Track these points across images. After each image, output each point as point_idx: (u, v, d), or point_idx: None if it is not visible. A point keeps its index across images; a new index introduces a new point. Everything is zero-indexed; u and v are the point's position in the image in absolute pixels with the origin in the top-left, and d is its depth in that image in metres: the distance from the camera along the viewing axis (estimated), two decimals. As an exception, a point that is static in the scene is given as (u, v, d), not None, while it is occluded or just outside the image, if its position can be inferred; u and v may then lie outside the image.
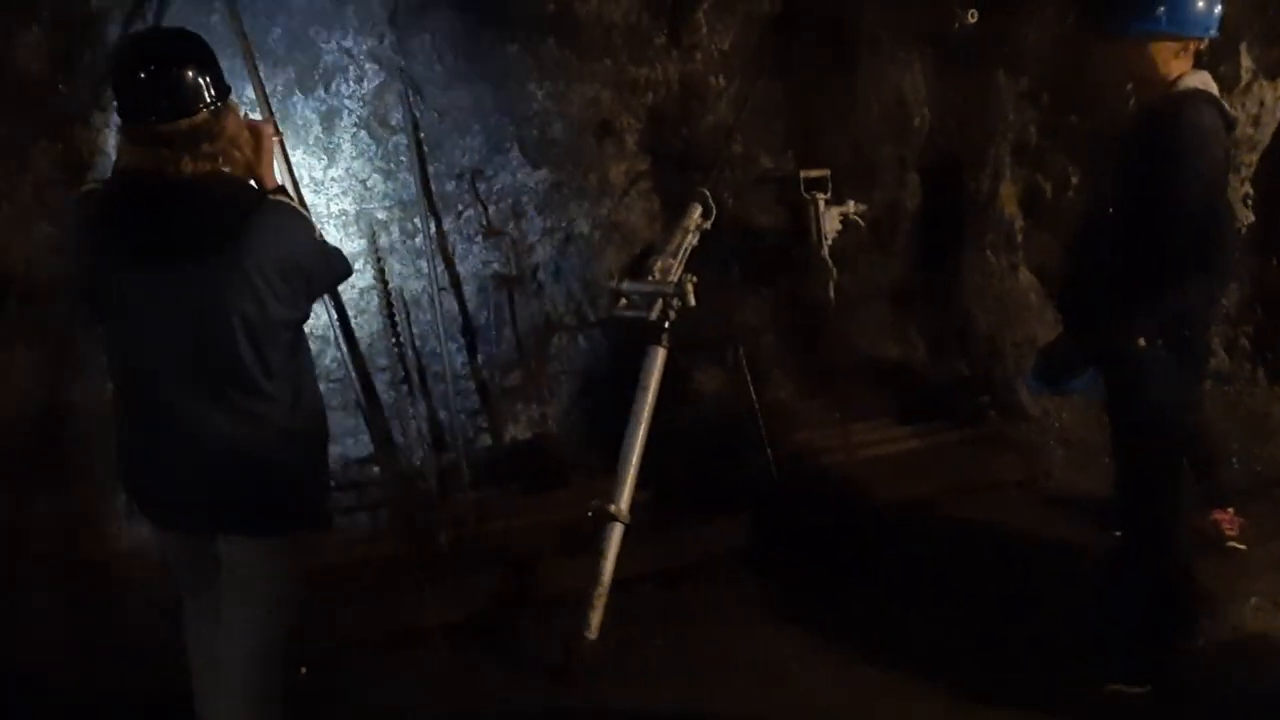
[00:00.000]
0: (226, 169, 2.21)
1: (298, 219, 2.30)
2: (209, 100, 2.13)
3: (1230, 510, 3.83)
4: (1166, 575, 3.00)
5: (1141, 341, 2.81)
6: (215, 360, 2.19)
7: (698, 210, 3.90)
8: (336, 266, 2.51)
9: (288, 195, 2.36)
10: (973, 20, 4.56)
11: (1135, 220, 2.77)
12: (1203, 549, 3.41)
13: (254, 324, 2.17)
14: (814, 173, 4.38)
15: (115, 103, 2.16)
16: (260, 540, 2.32)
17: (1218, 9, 2.80)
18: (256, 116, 3.36)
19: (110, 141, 3.46)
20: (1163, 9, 2.74)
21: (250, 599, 2.34)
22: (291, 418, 2.28)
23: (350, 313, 3.97)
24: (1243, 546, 3.77)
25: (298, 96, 3.80)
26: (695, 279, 3.64)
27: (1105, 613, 3.12)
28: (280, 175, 2.49)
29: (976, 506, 4.30)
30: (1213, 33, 2.82)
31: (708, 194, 3.91)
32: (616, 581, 3.33)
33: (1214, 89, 2.83)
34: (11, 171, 3.46)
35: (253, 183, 2.30)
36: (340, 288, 3.76)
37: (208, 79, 2.14)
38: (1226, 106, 2.86)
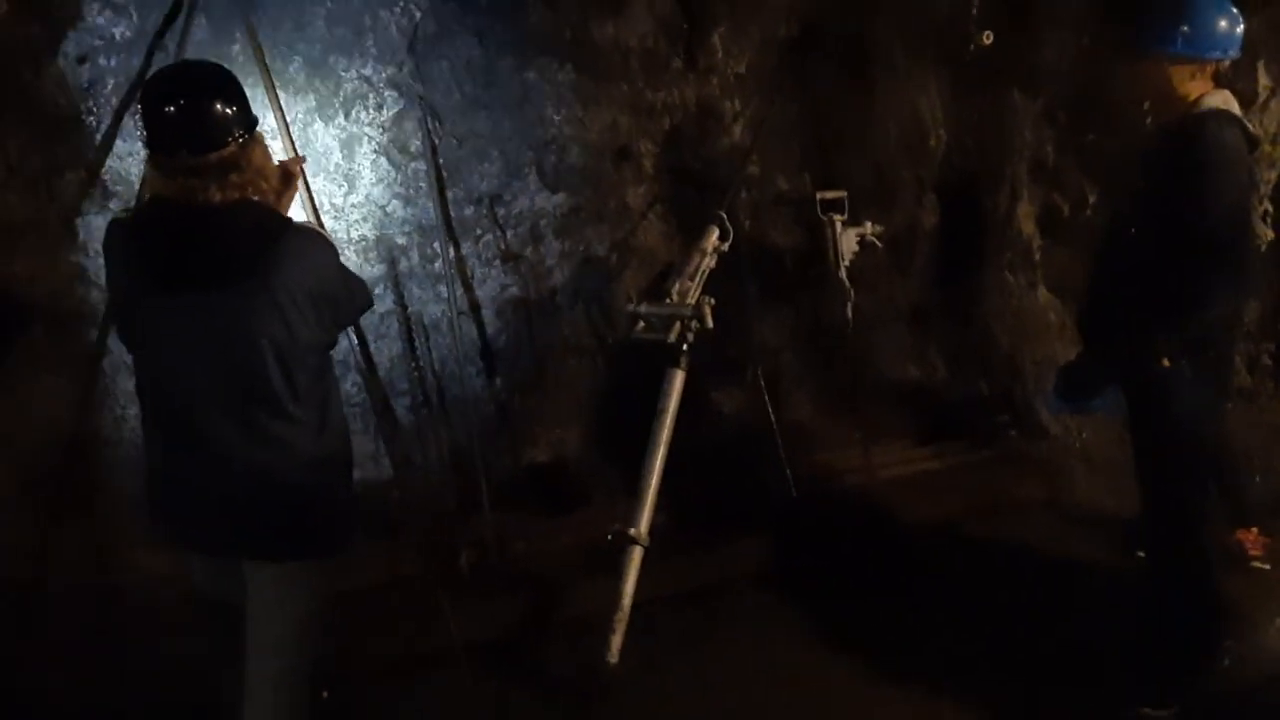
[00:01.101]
0: (255, 198, 2.24)
1: (323, 245, 2.32)
2: (237, 134, 2.17)
3: (1254, 530, 3.80)
4: (1192, 595, 2.98)
5: (1165, 361, 2.80)
6: (244, 385, 2.21)
7: (715, 232, 3.92)
8: (359, 296, 2.53)
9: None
10: (988, 41, 4.57)
11: (1158, 239, 2.77)
12: (1227, 568, 3.38)
13: (282, 349, 2.19)
14: (830, 194, 4.39)
15: (144, 134, 2.19)
16: (285, 565, 2.34)
17: (1239, 30, 2.80)
18: (277, 144, 3.41)
19: (136, 171, 3.50)
20: (1184, 30, 2.75)
21: (275, 622, 2.36)
22: (318, 443, 2.30)
23: (370, 337, 4.00)
24: (1267, 566, 3.74)
25: (318, 124, 3.84)
26: (713, 301, 3.65)
27: (1131, 633, 3.10)
28: (301, 203, 2.52)
29: (998, 526, 4.28)
30: (1232, 54, 2.82)
31: (725, 216, 3.93)
32: (637, 603, 3.33)
33: (1236, 108, 2.83)
34: (40, 202, 3.51)
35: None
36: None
37: (236, 112, 2.18)
38: (1249, 125, 2.85)
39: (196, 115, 2.15)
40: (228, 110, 2.17)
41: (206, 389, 2.23)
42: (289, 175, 2.42)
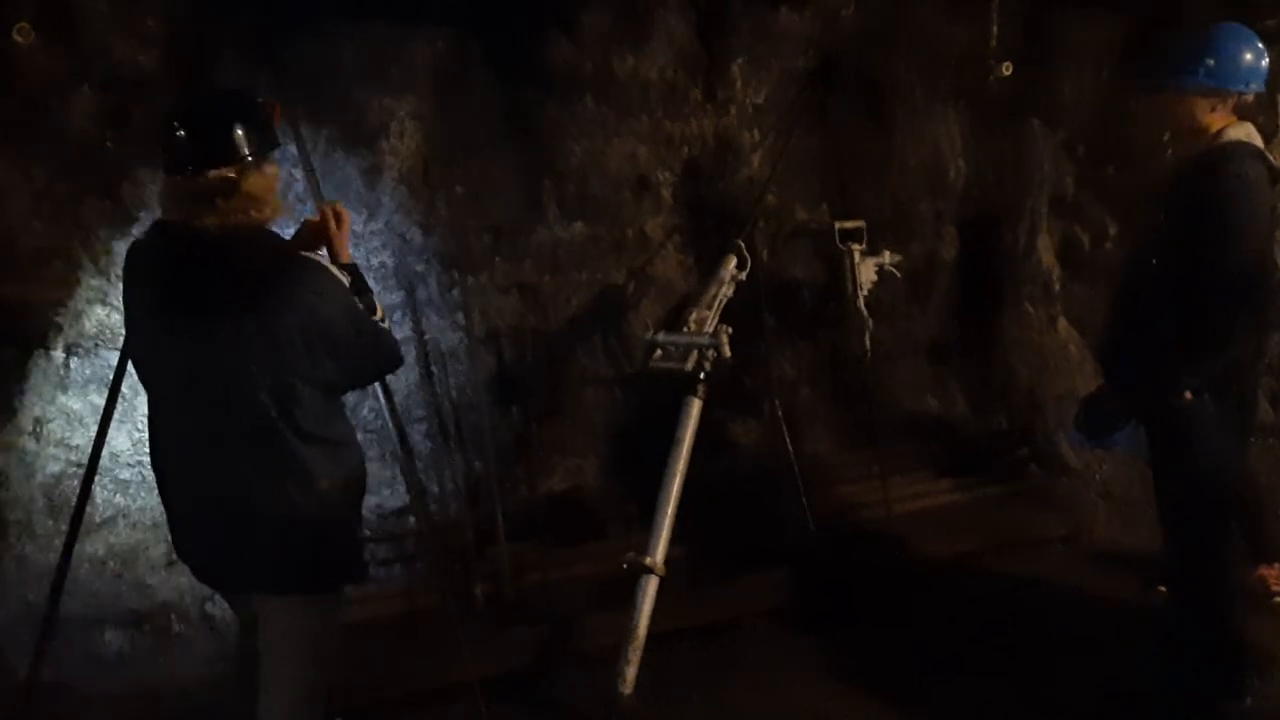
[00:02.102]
0: (266, 226, 2.24)
1: (327, 282, 2.23)
2: (231, 156, 2.15)
3: (1277, 566, 3.74)
4: (1214, 632, 2.93)
5: (1187, 395, 2.78)
6: (237, 417, 2.18)
7: (733, 262, 3.92)
8: (375, 346, 2.37)
9: (346, 267, 2.37)
10: (1007, 73, 4.58)
11: (1180, 274, 2.75)
12: (1249, 605, 3.33)
13: (274, 383, 2.16)
14: (849, 224, 4.39)
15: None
16: (291, 598, 2.32)
17: (1264, 63, 2.79)
18: (296, 172, 3.45)
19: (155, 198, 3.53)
20: (1208, 63, 2.74)
21: (284, 654, 2.34)
22: (319, 479, 2.24)
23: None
24: (1290, 603, 3.68)
25: (341, 153, 3.87)
26: (730, 330, 3.65)
27: (1153, 671, 3.05)
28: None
29: (1018, 562, 4.23)
30: (1255, 87, 2.81)
31: (742, 245, 3.93)
32: (653, 636, 3.30)
33: (1258, 141, 2.82)
34: (64, 228, 3.54)
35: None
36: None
37: (235, 136, 2.16)
38: (1271, 159, 2.84)
39: (194, 136, 2.15)
40: (226, 133, 2.16)
41: (202, 418, 2.21)
42: (340, 217, 2.42)
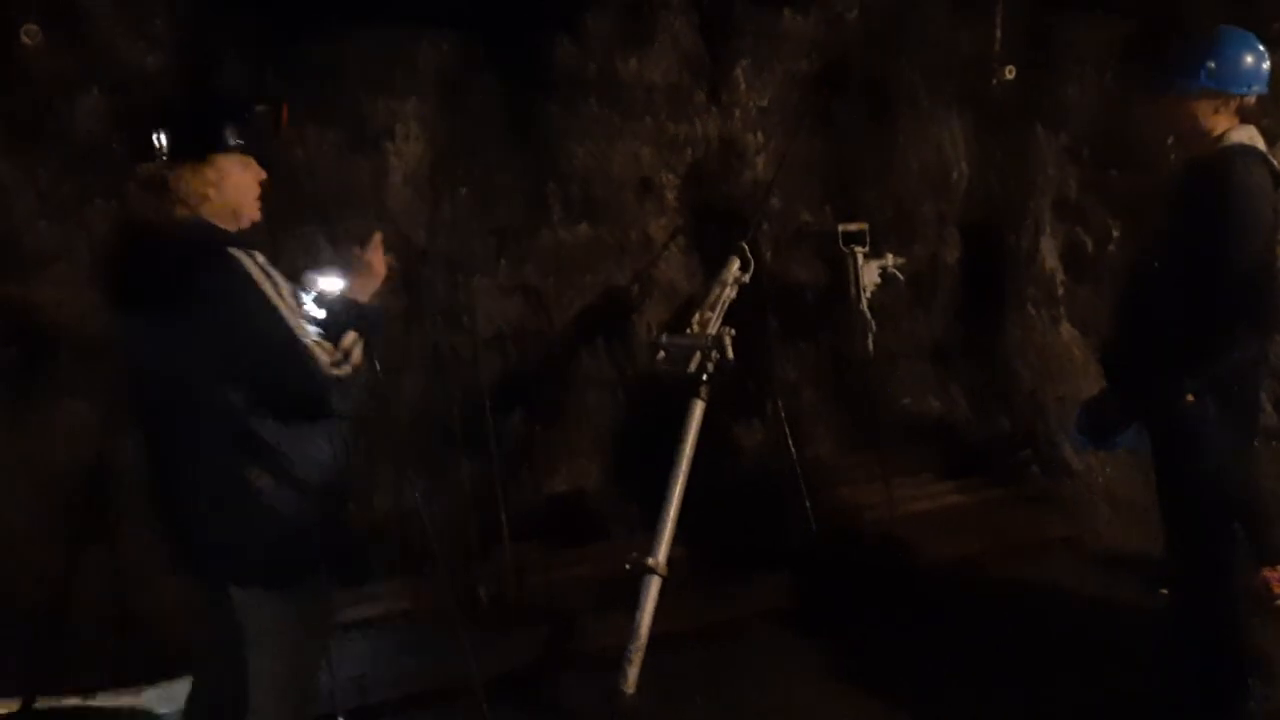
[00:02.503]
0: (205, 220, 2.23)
1: (239, 288, 2.13)
2: (152, 154, 2.18)
3: (1280, 570, 3.74)
4: (1218, 636, 2.93)
5: (1190, 397, 2.77)
6: (171, 409, 2.21)
7: (736, 264, 3.93)
8: (284, 367, 2.19)
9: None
10: (1010, 76, 4.59)
11: (1183, 276, 2.75)
12: (1252, 609, 3.32)
13: (190, 380, 2.17)
14: (852, 226, 4.39)
15: None
16: (247, 590, 2.31)
17: (1265, 65, 2.79)
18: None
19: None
20: (1209, 65, 2.74)
21: (250, 646, 2.34)
22: (255, 478, 2.23)
23: (392, 367, 4.00)
24: (1294, 607, 3.67)
25: (347, 155, 3.88)
26: (733, 331, 3.65)
27: (1156, 674, 3.05)
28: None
29: (1020, 564, 4.23)
30: (1257, 89, 2.81)
31: (745, 248, 3.94)
32: (656, 637, 3.30)
33: (1261, 144, 2.81)
34: (69, 229, 3.55)
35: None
36: (382, 341, 3.79)
37: (160, 135, 2.19)
38: (1275, 162, 2.84)
39: (132, 134, 2.26)
40: (169, 128, 2.19)
41: (151, 410, 2.26)
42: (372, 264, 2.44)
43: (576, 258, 4.30)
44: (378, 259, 2.46)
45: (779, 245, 4.64)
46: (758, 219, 4.27)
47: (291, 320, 2.16)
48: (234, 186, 2.26)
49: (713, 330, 3.67)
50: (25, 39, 3.37)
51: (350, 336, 2.28)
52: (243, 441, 2.20)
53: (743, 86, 4.44)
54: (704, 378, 3.61)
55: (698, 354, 3.62)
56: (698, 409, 3.58)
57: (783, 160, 4.42)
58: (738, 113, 4.47)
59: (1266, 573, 3.71)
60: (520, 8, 4.00)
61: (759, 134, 4.52)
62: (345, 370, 2.23)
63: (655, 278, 4.46)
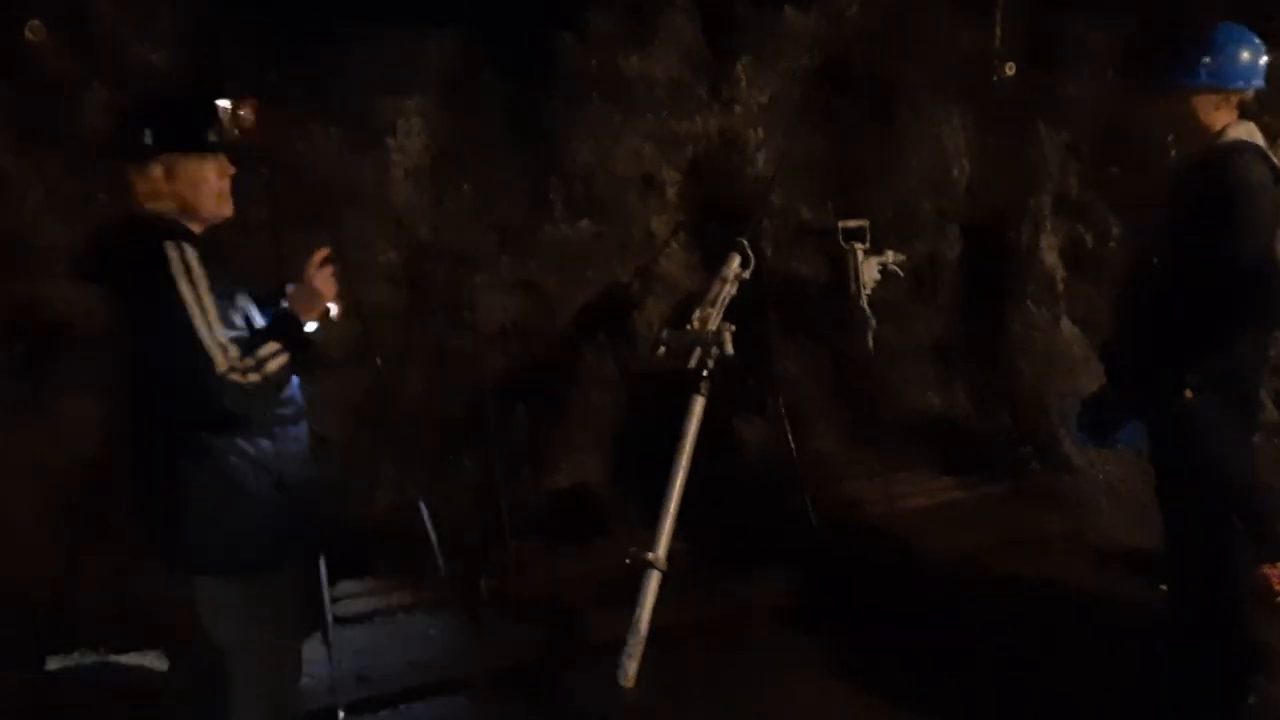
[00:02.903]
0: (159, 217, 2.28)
1: (152, 281, 2.16)
2: (125, 148, 2.27)
3: (1280, 566, 3.75)
4: (1218, 631, 2.94)
5: (1189, 394, 2.78)
6: (136, 405, 2.31)
7: (736, 260, 3.93)
8: (173, 362, 2.18)
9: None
10: (1011, 73, 4.59)
11: (1183, 273, 2.76)
12: (1253, 604, 3.33)
13: (137, 379, 2.27)
14: (852, 223, 4.40)
15: None
16: (201, 578, 2.35)
17: (1262, 60, 2.80)
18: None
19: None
20: (1206, 61, 2.75)
21: (222, 636, 2.37)
22: (189, 469, 2.26)
23: (394, 363, 4.02)
24: (1293, 602, 3.68)
25: (351, 152, 3.89)
26: (733, 327, 3.66)
27: (1156, 669, 3.06)
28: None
29: (1021, 560, 4.24)
30: (1256, 84, 2.82)
31: (746, 244, 3.94)
32: (656, 632, 3.32)
33: (1260, 140, 2.82)
34: (74, 226, 3.56)
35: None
36: (389, 339, 3.82)
37: (130, 132, 2.28)
38: (1274, 158, 2.85)
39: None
40: (134, 126, 2.27)
41: (120, 401, 2.37)
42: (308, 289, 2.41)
43: (578, 254, 4.31)
44: (321, 278, 2.40)
45: (780, 242, 4.65)
46: (759, 215, 4.28)
47: (199, 318, 2.14)
48: (186, 184, 2.28)
49: (714, 326, 3.68)
50: (30, 35, 3.38)
51: (270, 347, 2.22)
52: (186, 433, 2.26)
53: (744, 83, 4.45)
54: (705, 374, 3.62)
55: (698, 350, 3.63)
56: (698, 405, 3.59)
57: (784, 157, 4.43)
58: (739, 109, 4.48)
59: (1267, 569, 3.72)
60: (522, 4, 4.01)
61: (760, 130, 4.53)
62: (252, 379, 2.16)
63: (657, 274, 4.47)
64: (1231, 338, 2.74)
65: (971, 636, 3.66)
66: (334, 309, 2.47)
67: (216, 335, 2.15)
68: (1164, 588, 3.37)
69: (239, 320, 2.25)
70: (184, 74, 3.58)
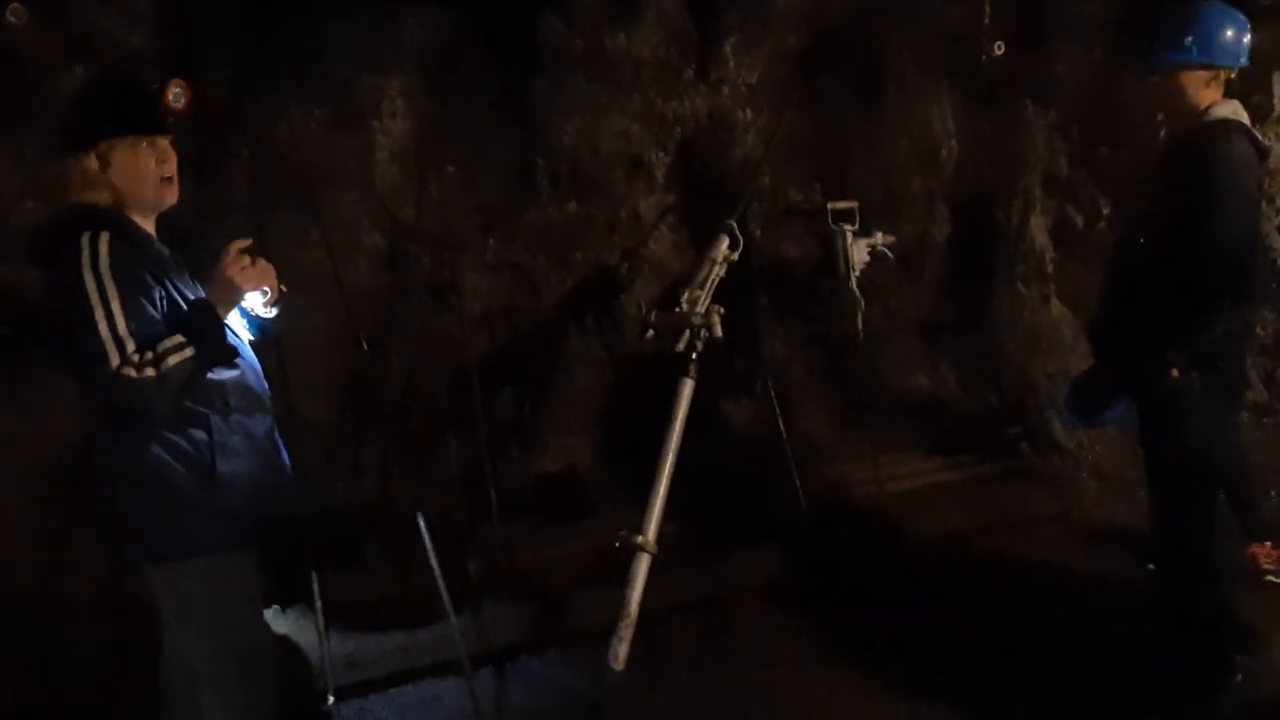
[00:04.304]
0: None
1: (64, 271, 2.15)
2: (65, 139, 2.30)
3: (1268, 544, 3.76)
4: (1205, 610, 2.95)
5: (1175, 372, 2.78)
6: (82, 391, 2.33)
7: (725, 242, 3.92)
8: (69, 353, 2.22)
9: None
10: (999, 52, 4.57)
11: (1168, 251, 2.76)
12: (1240, 583, 3.34)
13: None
14: (841, 204, 4.39)
15: None
16: (148, 565, 2.35)
17: (1247, 38, 2.80)
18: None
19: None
20: (1191, 39, 2.75)
21: (177, 623, 2.38)
22: (118, 450, 2.28)
23: (380, 347, 4.00)
24: (1280, 580, 3.70)
25: (333, 132, 3.86)
26: (722, 309, 3.65)
27: (1143, 649, 3.07)
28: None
29: (1009, 540, 4.25)
30: (1243, 61, 2.82)
31: (735, 226, 3.93)
32: (646, 613, 3.31)
33: (1245, 118, 2.82)
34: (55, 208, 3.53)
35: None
36: (374, 322, 3.80)
37: (64, 124, 2.32)
38: (1259, 136, 2.84)
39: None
40: (62, 121, 2.33)
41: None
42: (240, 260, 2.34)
43: (565, 236, 4.29)
44: (236, 268, 2.28)
45: (768, 223, 4.63)
46: (747, 197, 4.27)
47: (99, 310, 2.10)
48: (120, 173, 2.26)
49: (702, 308, 3.67)
50: (11, 19, 3.34)
51: (172, 341, 2.15)
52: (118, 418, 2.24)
53: (731, 63, 4.42)
54: (693, 356, 3.61)
55: (687, 332, 3.62)
56: (687, 387, 3.58)
57: (772, 138, 4.41)
58: (726, 89, 4.45)
59: (1254, 548, 3.74)
60: (506, -17, 3.98)
61: (748, 111, 4.50)
62: (147, 374, 2.10)
63: (645, 256, 4.45)
64: (1215, 315, 2.74)
65: (958, 617, 3.68)
66: (263, 298, 2.40)
67: (117, 329, 2.11)
68: (1152, 567, 3.38)
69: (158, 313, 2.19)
70: (163, 55, 3.54)
